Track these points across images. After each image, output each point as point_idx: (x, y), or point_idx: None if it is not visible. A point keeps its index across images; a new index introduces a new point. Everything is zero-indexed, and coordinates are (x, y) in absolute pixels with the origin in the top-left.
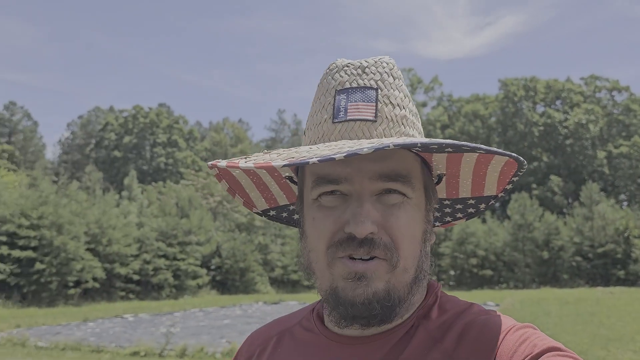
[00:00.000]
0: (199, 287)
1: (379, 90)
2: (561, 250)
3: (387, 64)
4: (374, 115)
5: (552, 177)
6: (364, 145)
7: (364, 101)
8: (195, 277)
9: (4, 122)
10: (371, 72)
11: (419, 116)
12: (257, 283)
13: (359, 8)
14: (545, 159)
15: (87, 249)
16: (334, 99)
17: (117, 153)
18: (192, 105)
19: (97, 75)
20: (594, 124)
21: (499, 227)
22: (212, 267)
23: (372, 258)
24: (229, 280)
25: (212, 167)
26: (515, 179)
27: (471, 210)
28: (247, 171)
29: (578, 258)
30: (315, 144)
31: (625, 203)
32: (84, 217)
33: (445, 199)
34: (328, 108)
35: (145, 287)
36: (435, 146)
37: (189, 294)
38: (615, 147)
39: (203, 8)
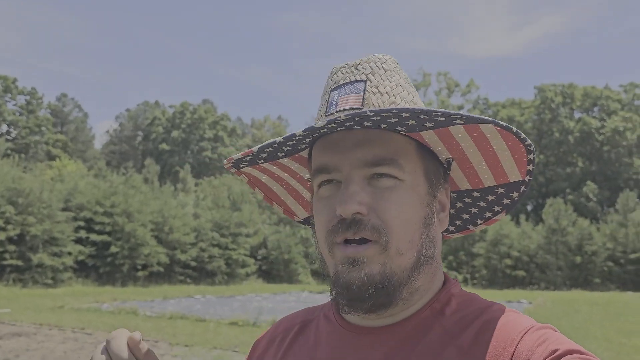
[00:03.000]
0: (247, 275)
1: (368, 81)
2: (594, 255)
3: (380, 58)
4: (360, 104)
5: (588, 183)
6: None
7: (352, 93)
8: (244, 266)
9: (57, 113)
10: (363, 68)
11: (418, 104)
12: (299, 274)
13: (399, 5)
14: (580, 164)
15: (152, 236)
16: (329, 96)
17: (164, 146)
18: (233, 100)
19: (141, 69)
20: (632, 132)
21: (533, 231)
22: (259, 257)
23: (364, 241)
24: (274, 270)
25: (229, 167)
26: (532, 156)
27: (506, 201)
28: (273, 175)
29: (610, 263)
30: None
31: None
32: (147, 206)
33: (474, 191)
34: (324, 105)
35: (200, 273)
36: (407, 114)
37: (238, 281)
38: None
39: (242, 2)
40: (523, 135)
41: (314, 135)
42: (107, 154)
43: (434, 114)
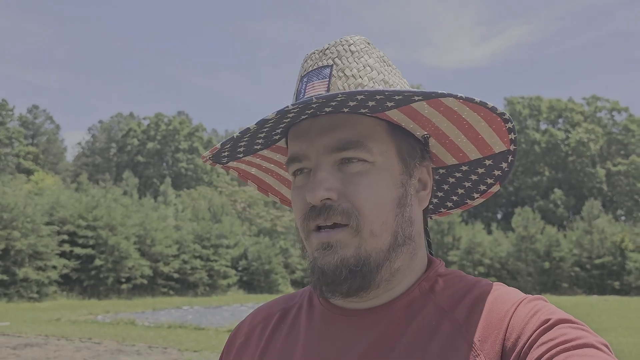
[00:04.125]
0: (229, 286)
1: (335, 66)
2: (561, 261)
3: (347, 40)
4: (326, 89)
5: (555, 190)
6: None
7: (319, 79)
8: (225, 277)
9: (28, 125)
10: (330, 52)
11: (391, 84)
12: (279, 284)
13: (368, 16)
14: (547, 174)
15: (135, 249)
16: (298, 85)
17: (140, 158)
18: (206, 110)
19: (111, 80)
20: (594, 143)
21: (504, 239)
22: (240, 268)
23: (336, 226)
24: (254, 281)
25: (206, 161)
26: (510, 125)
27: (497, 172)
28: (260, 167)
29: (577, 268)
30: None
31: (622, 218)
32: (129, 219)
33: (461, 165)
34: (294, 94)
35: (182, 285)
36: (362, 96)
37: (220, 292)
38: (614, 165)
39: (211, 12)
40: (491, 104)
41: (281, 125)
42: (79, 166)
43: (386, 93)
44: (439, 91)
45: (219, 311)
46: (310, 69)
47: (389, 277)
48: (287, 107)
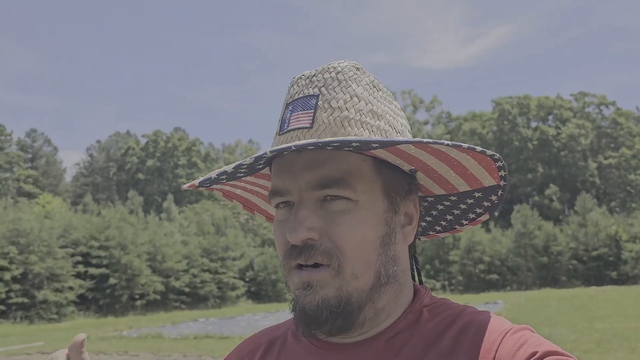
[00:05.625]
0: (237, 297)
1: (320, 96)
2: (559, 255)
3: (335, 68)
4: (310, 122)
5: (550, 186)
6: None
7: (303, 110)
8: (234, 288)
9: (27, 149)
10: (317, 80)
11: (379, 114)
12: (286, 293)
13: (354, 23)
14: (540, 170)
15: (147, 266)
16: (283, 113)
17: (140, 176)
18: (201, 125)
19: (104, 99)
20: (585, 137)
21: (503, 236)
22: (247, 279)
23: (317, 266)
24: (262, 291)
25: (192, 187)
26: (500, 164)
27: (486, 203)
28: (245, 189)
29: (574, 262)
30: None
31: (616, 209)
32: (139, 237)
33: (450, 195)
34: (279, 122)
35: (193, 299)
36: (336, 143)
37: (230, 304)
38: (605, 159)
39: (197, 25)
40: (480, 149)
41: (263, 160)
42: (79, 186)
43: (353, 144)
44: (426, 140)
45: (235, 321)
46: (297, 96)
47: (373, 316)
48: (265, 153)
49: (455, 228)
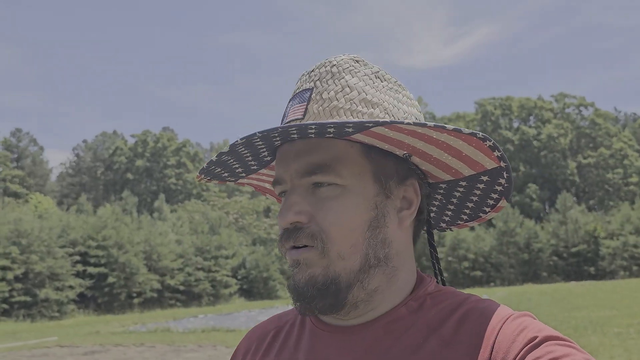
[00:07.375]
0: (230, 295)
1: (315, 89)
2: (540, 251)
3: (331, 62)
4: (302, 114)
5: (530, 185)
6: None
7: (299, 103)
8: (227, 286)
9: (12, 148)
10: (314, 74)
11: (375, 102)
12: (277, 290)
13: (339, 22)
14: (522, 169)
15: (144, 264)
16: (286, 107)
17: (129, 176)
18: (188, 125)
19: (89, 99)
20: (564, 137)
21: (486, 234)
22: (239, 277)
23: (304, 247)
24: (254, 288)
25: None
26: (489, 143)
27: (498, 187)
28: (262, 180)
29: (555, 258)
30: None
31: (595, 207)
32: (135, 237)
33: (459, 180)
34: (283, 115)
35: (187, 296)
36: (313, 129)
37: (223, 301)
38: (584, 158)
39: (181, 25)
40: (451, 127)
41: (264, 149)
42: (65, 186)
43: (330, 129)
44: (407, 122)
45: (233, 317)
46: (298, 90)
47: (365, 298)
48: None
49: (480, 216)
